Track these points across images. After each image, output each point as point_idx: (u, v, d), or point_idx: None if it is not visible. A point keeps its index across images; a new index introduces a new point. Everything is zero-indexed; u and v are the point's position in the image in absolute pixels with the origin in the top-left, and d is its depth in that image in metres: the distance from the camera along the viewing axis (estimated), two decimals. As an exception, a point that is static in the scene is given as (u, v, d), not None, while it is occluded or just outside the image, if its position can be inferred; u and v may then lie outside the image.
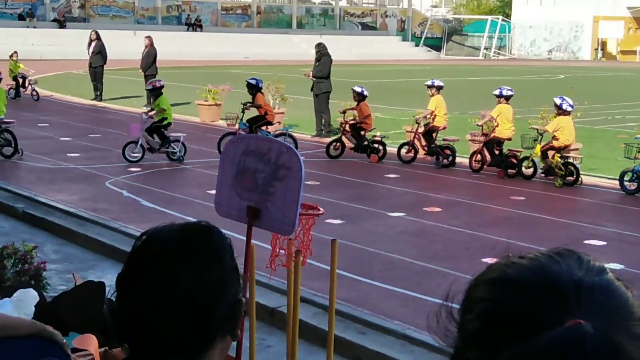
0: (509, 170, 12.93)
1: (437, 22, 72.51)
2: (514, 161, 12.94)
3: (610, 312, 0.88)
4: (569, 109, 12.37)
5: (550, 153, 12.41)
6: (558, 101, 12.44)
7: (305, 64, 20.75)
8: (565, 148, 12.40)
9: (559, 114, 12.44)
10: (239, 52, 50.11)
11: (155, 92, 14.44)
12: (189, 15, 57.99)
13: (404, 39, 66.53)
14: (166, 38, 42.46)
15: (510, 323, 0.88)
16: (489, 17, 69.82)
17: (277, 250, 3.79)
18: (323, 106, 17.20)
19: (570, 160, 12.39)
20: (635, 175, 11.64)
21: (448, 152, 13.86)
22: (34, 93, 23.20)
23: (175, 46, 45.84)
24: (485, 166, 13.30)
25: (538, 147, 12.48)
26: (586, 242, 8.85)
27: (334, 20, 64.90)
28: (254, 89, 14.64)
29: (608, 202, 11.38)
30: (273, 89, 17.70)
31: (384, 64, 50.14)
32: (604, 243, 8.85)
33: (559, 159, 12.31)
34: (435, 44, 68.86)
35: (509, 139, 13.25)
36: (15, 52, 24.05)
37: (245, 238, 3.69)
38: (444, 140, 14.07)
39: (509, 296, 0.90)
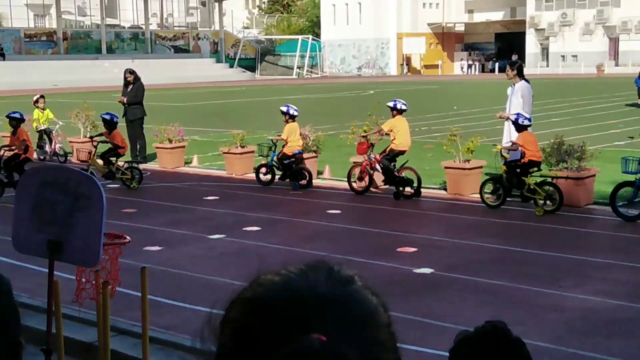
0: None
1: (249, 43, 73.31)
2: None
3: (350, 323, 0.90)
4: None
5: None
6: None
7: (118, 90, 20.23)
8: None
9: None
10: (46, 81, 48.15)
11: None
12: (-11, 43, 55.09)
13: (218, 61, 66.69)
14: (-35, 68, 40.08)
15: (255, 342, 0.89)
16: (300, 37, 71.50)
17: (84, 282, 3.68)
18: (138, 132, 16.89)
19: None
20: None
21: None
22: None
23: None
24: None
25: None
26: (399, 249, 9.24)
27: (145, 44, 63.91)
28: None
29: (420, 209, 11.92)
30: (83, 116, 17.16)
31: (198, 86, 49.97)
32: (415, 249, 9.27)
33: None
34: (249, 65, 69.56)
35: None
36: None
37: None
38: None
39: (256, 315, 0.91)
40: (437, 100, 34.38)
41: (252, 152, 15.49)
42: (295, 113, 13.81)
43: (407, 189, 12.43)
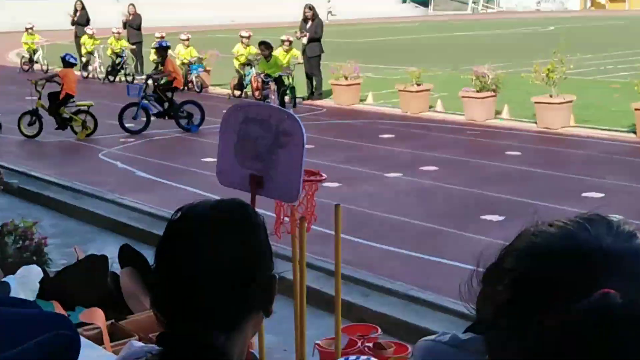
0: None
1: (423, -23, 71.84)
2: None
3: (638, 278, 0.87)
4: None
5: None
6: None
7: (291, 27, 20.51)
8: None
9: None
10: (225, 16, 49.55)
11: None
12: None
13: (391, -4, 65.90)
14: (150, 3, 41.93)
15: (538, 293, 0.87)
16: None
17: (282, 217, 3.79)
18: (315, 69, 17.10)
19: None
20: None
21: None
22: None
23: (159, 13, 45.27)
24: None
25: None
26: (584, 194, 8.90)
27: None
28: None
29: (603, 153, 11.38)
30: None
31: (371, 22, 49.79)
32: (603, 195, 8.90)
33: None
34: (422, 0, 68.25)
35: None
36: None
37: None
38: None
39: (538, 266, 0.89)
40: (623, 37, 32.34)
41: (428, 90, 15.35)
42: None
43: None
